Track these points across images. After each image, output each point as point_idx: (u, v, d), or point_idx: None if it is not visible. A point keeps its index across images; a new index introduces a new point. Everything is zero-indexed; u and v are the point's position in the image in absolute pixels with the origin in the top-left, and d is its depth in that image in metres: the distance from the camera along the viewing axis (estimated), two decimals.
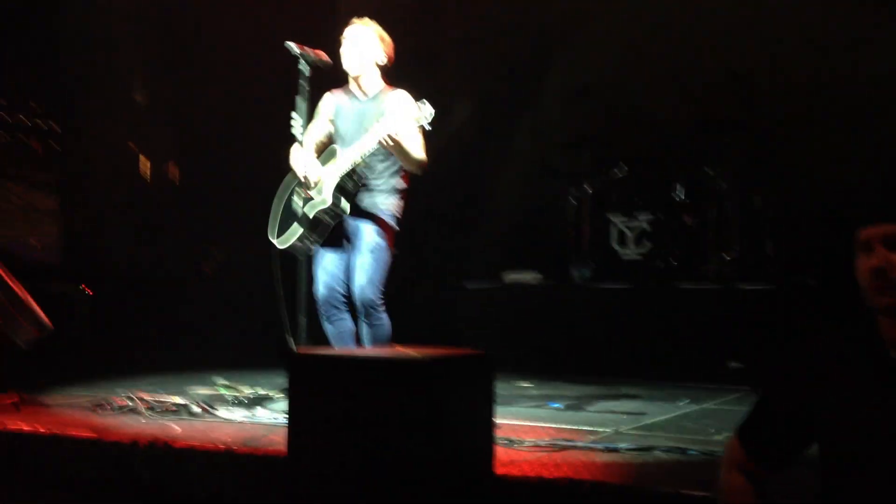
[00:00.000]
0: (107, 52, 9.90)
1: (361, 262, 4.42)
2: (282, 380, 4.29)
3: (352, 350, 4.30)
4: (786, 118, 6.78)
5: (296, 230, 4.50)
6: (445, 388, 2.91)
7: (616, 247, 6.74)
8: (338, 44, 4.59)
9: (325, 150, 4.64)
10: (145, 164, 10.03)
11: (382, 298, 4.45)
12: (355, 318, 4.57)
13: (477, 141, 8.18)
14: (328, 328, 4.59)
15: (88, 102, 9.91)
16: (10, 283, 4.64)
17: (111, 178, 9.77)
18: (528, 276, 6.91)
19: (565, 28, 7.92)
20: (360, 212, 4.48)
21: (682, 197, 6.60)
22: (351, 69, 4.57)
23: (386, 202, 4.54)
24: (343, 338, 4.57)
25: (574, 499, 3.00)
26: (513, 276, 6.96)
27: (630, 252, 6.67)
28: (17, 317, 4.60)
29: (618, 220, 6.75)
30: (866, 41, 6.55)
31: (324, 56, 4.51)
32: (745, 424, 2.28)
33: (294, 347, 4.30)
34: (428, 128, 4.26)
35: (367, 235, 4.45)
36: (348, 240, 4.53)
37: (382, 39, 4.61)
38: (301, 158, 4.52)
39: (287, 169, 4.66)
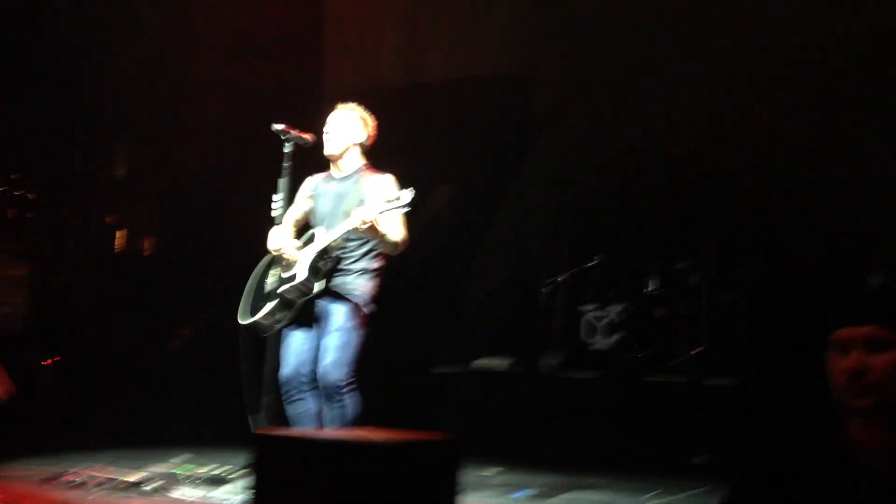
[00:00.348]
0: (87, 122, 9.97)
1: (328, 344, 4.38)
2: (242, 459, 4.23)
3: (316, 432, 4.24)
4: (761, 216, 6.88)
5: (263, 307, 4.47)
6: (408, 473, 2.87)
7: (587, 336, 6.76)
8: (321, 131, 4.64)
9: (304, 233, 4.65)
10: (119, 236, 10.01)
11: (349, 381, 4.39)
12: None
13: (455, 226, 8.24)
14: (293, 408, 4.53)
15: (66, 172, 9.94)
16: None
17: (83, 248, 9.74)
18: (497, 363, 6.89)
19: (547, 119, 8.07)
20: (332, 293, 4.46)
21: (655, 289, 6.65)
22: (330, 150, 4.60)
23: (359, 284, 4.51)
24: (305, 420, 4.50)
25: None
26: (481, 363, 6.95)
27: (600, 342, 6.69)
28: None
29: (589, 310, 6.79)
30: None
31: (309, 137, 4.57)
32: None
33: (257, 425, 4.24)
34: (407, 210, 4.27)
35: (337, 317, 4.42)
36: (318, 322, 4.50)
37: (364, 120, 4.66)
38: (278, 239, 4.53)
39: (264, 251, 4.65)
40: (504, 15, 8.40)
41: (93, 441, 6.03)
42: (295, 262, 4.46)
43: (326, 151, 4.61)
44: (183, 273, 9.11)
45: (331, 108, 4.73)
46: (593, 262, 6.92)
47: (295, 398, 4.49)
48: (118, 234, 10.06)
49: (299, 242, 4.58)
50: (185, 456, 5.04)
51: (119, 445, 5.95)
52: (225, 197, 8.76)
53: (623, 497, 4.81)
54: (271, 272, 4.58)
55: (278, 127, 4.47)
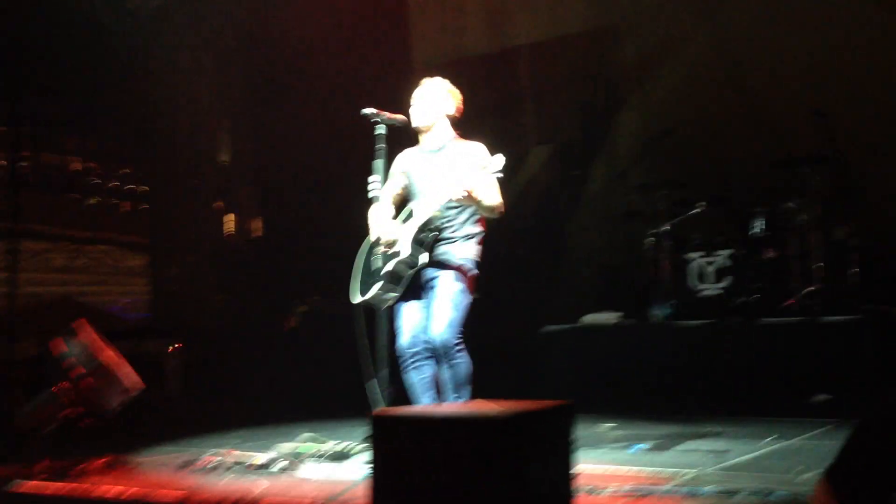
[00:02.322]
0: (191, 114, 10.28)
1: (439, 307, 4.49)
2: (361, 434, 4.36)
3: (432, 408, 4.33)
4: (867, 151, 6.73)
5: (374, 284, 4.57)
6: (525, 443, 2.94)
7: (695, 284, 6.68)
8: (401, 103, 4.70)
9: (403, 209, 4.73)
10: (230, 222, 10.32)
11: (458, 341, 4.50)
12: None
13: (554, 185, 8.24)
14: (410, 377, 4.64)
15: (175, 163, 10.29)
16: (101, 349, 4.82)
17: (199, 238, 10.09)
18: (607, 317, 6.89)
19: (639, 71, 7.97)
20: (437, 262, 4.55)
21: (763, 231, 6.53)
22: (419, 122, 4.67)
23: (463, 250, 4.60)
24: (424, 386, 4.61)
25: None
26: (591, 318, 6.95)
27: (710, 288, 6.61)
28: (108, 382, 4.77)
29: (696, 257, 6.71)
30: None
31: (401, 118, 4.63)
32: (836, 466, 2.19)
33: (375, 398, 4.36)
34: (500, 175, 4.32)
35: (445, 282, 4.52)
36: (427, 291, 4.59)
37: (451, 92, 4.72)
38: (377, 219, 4.63)
39: (365, 231, 4.75)
40: None
41: (219, 425, 6.26)
42: (396, 239, 4.55)
43: (415, 123, 4.67)
44: (291, 254, 9.35)
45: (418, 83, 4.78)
46: (696, 210, 6.80)
47: (412, 367, 4.61)
48: (226, 218, 10.37)
49: (399, 220, 4.66)
50: (308, 434, 5.22)
51: (246, 426, 6.19)
52: (325, 178, 8.93)
53: (740, 444, 4.78)
54: (376, 250, 4.67)
55: (368, 111, 4.53)
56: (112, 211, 10.56)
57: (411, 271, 4.53)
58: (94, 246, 9.98)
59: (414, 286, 4.58)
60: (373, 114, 4.55)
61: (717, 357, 6.16)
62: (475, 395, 4.46)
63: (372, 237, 4.67)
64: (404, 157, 4.79)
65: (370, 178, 4.57)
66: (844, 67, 6.98)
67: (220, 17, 9.98)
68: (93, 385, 4.61)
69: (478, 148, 4.59)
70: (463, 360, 4.51)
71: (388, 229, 4.60)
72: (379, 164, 4.53)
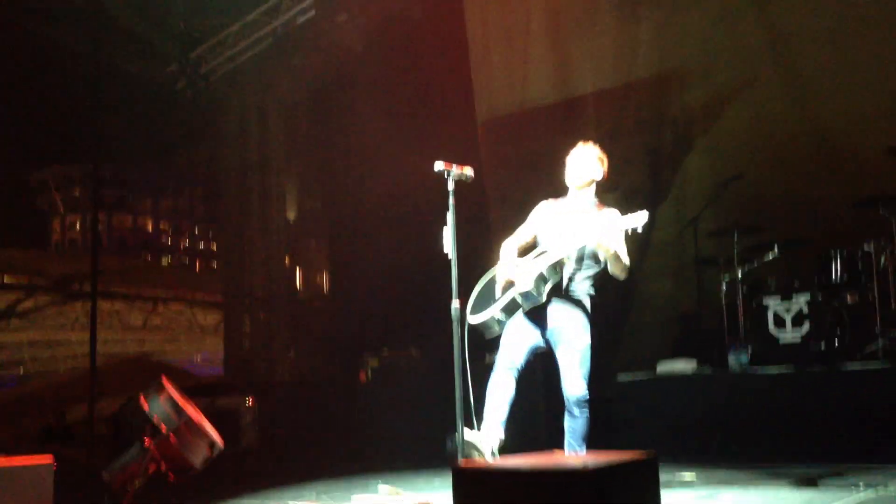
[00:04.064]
0: (260, 174, 10.51)
1: (572, 361, 4.55)
2: (441, 483, 4.34)
3: (514, 461, 4.30)
4: None
5: (490, 309, 4.63)
6: (611, 496, 2.89)
7: (773, 331, 6.55)
8: (561, 163, 4.86)
9: (535, 249, 4.80)
10: (300, 278, 10.47)
11: (589, 394, 4.55)
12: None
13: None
14: (495, 379, 4.63)
15: (245, 221, 10.50)
16: (184, 405, 4.89)
17: (270, 293, 10.24)
18: (682, 365, 6.79)
19: (707, 114, 7.93)
20: (563, 309, 4.60)
21: (841, 276, 6.40)
22: (573, 182, 4.82)
23: (585, 301, 4.67)
24: (501, 394, 4.59)
25: None
26: (666, 366, 6.85)
27: (788, 335, 6.48)
28: (192, 439, 4.83)
29: (774, 303, 6.59)
30: None
31: (469, 171, 4.66)
32: None
33: (457, 451, 4.33)
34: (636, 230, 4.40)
35: (575, 333, 4.58)
36: (549, 330, 4.61)
37: (601, 159, 4.89)
38: (508, 252, 4.74)
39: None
40: (650, 17, 8.30)
41: (296, 478, 6.28)
42: (522, 272, 4.59)
43: (569, 180, 4.82)
44: (361, 309, 9.42)
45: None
46: (772, 254, 6.70)
47: (502, 375, 4.62)
48: (297, 273, 10.53)
49: (530, 257, 4.71)
50: (385, 486, 5.20)
51: (321, 479, 6.20)
52: (392, 233, 9.01)
53: (828, 492, 4.62)
54: (499, 278, 4.72)
55: (440, 167, 4.58)
56: (185, 270, 10.79)
57: (530, 305, 4.57)
58: (168, 305, 10.21)
59: (536, 315, 4.61)
60: (444, 169, 4.59)
61: (797, 404, 6.01)
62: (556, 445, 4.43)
63: (499, 268, 4.74)
64: (545, 208, 4.89)
65: (443, 233, 4.59)
66: None
67: (289, 79, 10.24)
68: (179, 441, 4.68)
69: (614, 213, 4.67)
70: (587, 417, 4.56)
71: (514, 264, 4.65)
72: (450, 217, 4.56)
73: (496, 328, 4.64)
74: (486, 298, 4.72)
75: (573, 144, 8.56)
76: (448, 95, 9.28)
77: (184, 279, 10.24)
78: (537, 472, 3.09)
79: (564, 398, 4.56)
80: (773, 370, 6.31)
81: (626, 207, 8.18)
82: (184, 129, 10.06)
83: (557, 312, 4.61)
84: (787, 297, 6.54)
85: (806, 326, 6.41)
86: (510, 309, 4.61)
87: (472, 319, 4.65)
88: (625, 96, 8.45)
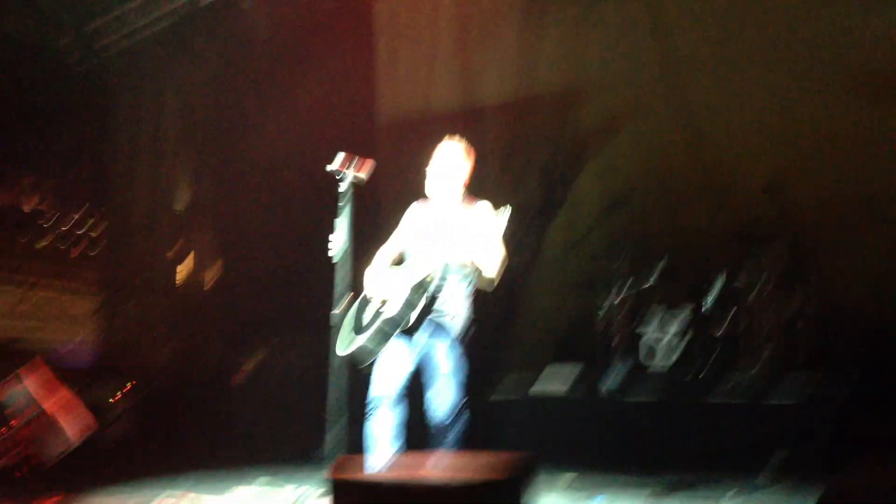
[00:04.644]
0: (149, 158, 10.21)
1: (442, 387, 4.51)
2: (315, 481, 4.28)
3: (390, 474, 4.27)
4: (820, 229, 6.78)
5: (359, 338, 4.49)
6: None
7: (644, 359, 6.71)
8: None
9: (401, 265, 4.70)
10: (180, 270, 10.21)
11: (457, 414, 4.53)
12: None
13: (509, 249, 8.25)
14: (373, 424, 4.57)
15: (126, 208, 10.18)
16: (42, 396, 4.73)
17: (148, 281, 9.96)
18: (555, 386, 6.88)
19: (601, 135, 8.06)
20: (438, 328, 4.53)
21: (713, 308, 6.59)
22: (439, 194, 4.69)
23: (456, 321, 4.60)
24: (385, 435, 4.55)
25: None
26: (538, 387, 6.93)
27: (658, 364, 6.65)
28: (48, 429, 4.68)
29: (647, 330, 6.74)
30: None
31: (363, 175, 4.58)
32: None
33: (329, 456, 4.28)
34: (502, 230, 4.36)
35: (444, 358, 4.52)
36: (414, 349, 4.56)
37: (468, 156, 4.76)
38: (374, 277, 4.60)
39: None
40: (552, 33, 8.41)
41: (173, 467, 6.16)
42: (389, 295, 4.50)
43: (432, 191, 4.68)
44: (247, 302, 9.25)
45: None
46: (648, 283, 6.86)
47: (379, 414, 4.56)
48: (179, 267, 10.26)
49: (395, 271, 4.62)
50: (265, 479, 5.12)
51: (199, 470, 6.07)
52: (284, 229, 8.89)
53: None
54: (367, 304, 4.61)
55: (333, 167, 4.52)
56: (61, 254, 10.41)
57: (399, 330, 4.45)
58: (40, 290, 9.81)
59: (406, 337, 4.51)
60: (337, 170, 4.53)
61: (664, 434, 6.16)
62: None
63: (371, 283, 4.61)
64: (416, 211, 4.78)
65: (331, 237, 4.54)
66: (800, 140, 7.03)
67: (186, 63, 9.98)
68: (33, 433, 4.51)
69: (483, 207, 4.61)
70: (454, 438, 4.53)
71: (383, 288, 4.54)
72: (342, 221, 4.52)
73: (368, 357, 4.48)
74: (354, 327, 4.57)
75: (473, 154, 8.63)
76: (350, 94, 9.20)
77: (59, 264, 9.82)
78: (411, 487, 3.10)
79: (430, 422, 4.52)
80: (640, 398, 6.45)
81: (518, 223, 8.33)
82: (73, 105, 9.68)
83: (425, 335, 4.52)
84: (660, 325, 6.71)
85: (675, 356, 6.59)
86: (382, 336, 4.43)
87: (343, 351, 4.50)
88: (524, 111, 8.53)
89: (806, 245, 6.71)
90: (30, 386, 4.62)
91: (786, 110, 7.15)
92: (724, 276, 6.63)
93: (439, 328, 4.53)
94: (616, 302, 6.89)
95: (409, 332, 4.46)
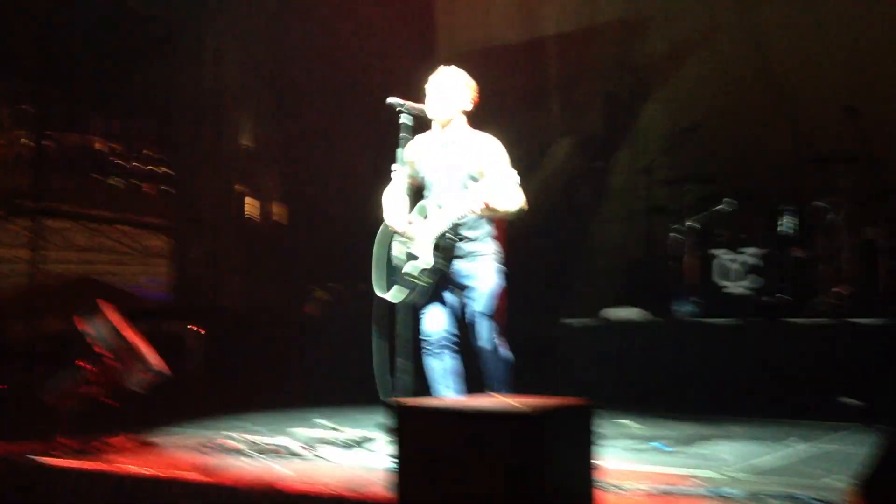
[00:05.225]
0: (216, 100, 10.29)
1: (479, 308, 4.47)
2: (381, 419, 4.32)
3: (456, 399, 4.30)
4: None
5: (402, 287, 4.47)
6: (546, 439, 2.91)
7: (720, 281, 6.60)
8: (423, 92, 4.64)
9: (417, 205, 4.65)
10: (253, 207, 10.33)
11: (502, 337, 4.51)
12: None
13: (577, 177, 8.18)
14: (431, 363, 4.60)
15: (198, 148, 10.30)
16: (124, 329, 4.82)
17: (220, 220, 10.10)
18: (631, 313, 6.83)
19: (668, 62, 7.89)
20: (464, 260, 4.51)
21: (792, 230, 6.45)
22: (435, 116, 4.60)
23: (486, 247, 4.57)
24: (448, 376, 4.58)
25: None
26: (615, 314, 6.89)
27: (736, 287, 6.54)
28: (131, 363, 4.78)
29: (722, 254, 6.63)
30: None
31: (425, 108, 4.56)
32: (871, 476, 2.11)
33: (393, 390, 4.32)
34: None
35: (480, 281, 4.49)
36: (458, 286, 4.54)
37: (467, 85, 4.64)
38: (391, 208, 4.56)
39: (381, 215, 4.67)
40: None
41: (236, 407, 6.27)
42: (415, 239, 4.46)
43: (431, 115, 4.59)
44: (312, 240, 9.34)
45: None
46: (723, 206, 6.72)
47: (434, 354, 4.59)
48: (248, 202, 10.39)
49: (414, 216, 4.56)
50: (323, 420, 5.20)
51: (264, 409, 6.18)
52: (347, 166, 8.90)
53: (764, 445, 4.71)
54: (395, 242, 4.59)
55: (393, 100, 4.46)
56: (134, 192, 10.59)
57: (436, 277, 4.45)
58: (115, 226, 10.02)
59: (443, 278, 4.51)
60: (397, 103, 4.47)
61: (741, 356, 6.09)
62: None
63: (390, 226, 4.57)
64: (417, 146, 4.67)
65: (393, 167, 4.52)
66: (879, 64, 6.88)
67: (248, 2, 9.98)
68: (116, 363, 4.63)
69: (491, 142, 4.55)
70: (505, 358, 4.53)
71: (404, 223, 4.51)
72: (402, 153, 4.48)
73: (414, 302, 4.46)
74: (391, 269, 4.52)
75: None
76: (410, 30, 9.11)
77: (133, 202, 10.03)
78: (474, 412, 3.09)
79: (477, 348, 4.50)
80: (719, 321, 6.37)
81: (584, 153, 8.26)
82: (139, 47, 9.76)
83: (461, 265, 4.50)
84: (736, 249, 6.59)
85: (753, 279, 6.48)
86: (418, 284, 4.42)
87: (383, 293, 4.48)
88: (586, 40, 8.39)
89: (884, 165, 6.55)
90: (113, 319, 4.73)
91: (861, 31, 6.97)
92: (803, 198, 6.45)
93: (472, 258, 4.51)
94: (689, 225, 6.75)
95: (444, 272, 4.46)
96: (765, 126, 7.24)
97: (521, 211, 4.42)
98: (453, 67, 4.68)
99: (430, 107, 4.58)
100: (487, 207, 4.28)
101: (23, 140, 10.32)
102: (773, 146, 7.14)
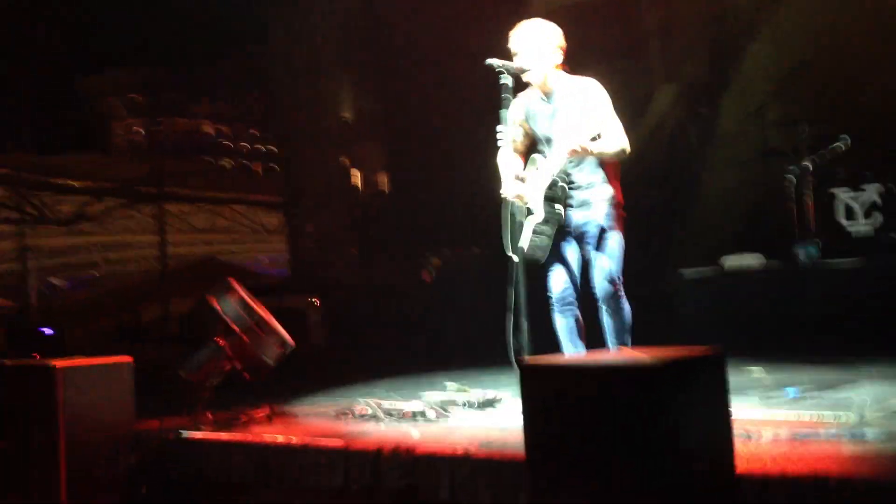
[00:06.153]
0: (314, 75, 10.45)
1: (597, 256, 4.45)
2: (507, 380, 4.39)
3: (582, 355, 4.32)
4: None
5: (522, 241, 4.46)
6: (677, 391, 2.89)
7: (843, 221, 6.42)
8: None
9: (529, 159, 4.67)
10: (359, 178, 10.50)
11: (622, 287, 4.47)
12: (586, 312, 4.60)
13: (684, 124, 8.04)
14: (558, 321, 4.62)
15: (301, 123, 10.50)
16: (254, 305, 4.99)
17: (329, 194, 10.31)
18: (750, 260, 6.70)
19: (770, 4, 7.65)
20: (580, 209, 4.49)
21: None
22: (528, 79, 4.52)
23: (600, 193, 4.51)
24: (574, 332, 4.59)
25: (821, 495, 2.90)
26: (733, 261, 6.77)
27: (859, 226, 6.35)
28: (264, 337, 4.95)
29: (844, 194, 6.44)
30: None
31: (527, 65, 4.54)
32: None
33: (519, 351, 4.37)
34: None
35: (596, 229, 4.46)
36: (577, 237, 4.54)
37: (549, 37, 4.52)
38: (505, 172, 4.56)
39: (493, 181, 4.70)
40: None
41: (365, 376, 6.41)
42: (528, 198, 4.46)
43: (525, 78, 4.50)
44: (420, 207, 9.44)
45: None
46: (838, 143, 6.51)
47: (560, 312, 4.59)
48: (353, 173, 10.55)
49: (528, 172, 4.54)
50: (453, 383, 5.29)
51: (389, 376, 6.33)
52: (449, 130, 8.94)
53: None
54: (515, 203, 4.58)
55: (493, 61, 4.44)
56: (245, 172, 10.87)
57: (555, 228, 4.43)
58: (232, 206, 10.33)
59: (562, 233, 4.50)
60: (497, 64, 4.45)
61: (869, 297, 5.93)
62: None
63: (503, 192, 4.56)
64: (519, 104, 4.64)
65: (498, 128, 4.51)
66: None
67: None
68: (251, 339, 4.80)
69: (590, 85, 4.45)
70: (625, 308, 4.48)
71: (513, 187, 4.49)
72: (506, 113, 4.47)
73: (538, 258, 4.43)
74: (515, 229, 4.49)
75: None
76: None
77: (245, 181, 10.35)
78: (603, 368, 3.10)
79: (597, 297, 4.47)
80: (845, 263, 6.20)
81: (688, 100, 8.08)
82: (237, 29, 9.98)
83: (580, 215, 4.47)
84: (857, 188, 6.40)
85: (878, 218, 6.29)
86: (539, 238, 4.40)
87: (511, 253, 4.46)
88: None
89: None
90: (241, 294, 4.91)
91: None
92: None
93: (586, 205, 4.47)
94: (805, 165, 6.57)
95: (568, 220, 4.44)
96: (877, 60, 6.97)
97: (622, 152, 4.38)
98: (529, 22, 4.56)
99: (519, 65, 4.47)
100: (585, 150, 4.25)
101: (136, 128, 10.69)
102: (884, 79, 6.85)
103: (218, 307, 4.89)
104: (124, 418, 4.75)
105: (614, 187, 4.55)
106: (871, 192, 6.34)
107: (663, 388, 2.86)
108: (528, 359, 3.50)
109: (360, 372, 6.61)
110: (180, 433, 4.66)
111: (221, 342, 4.82)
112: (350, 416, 4.83)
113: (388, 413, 4.74)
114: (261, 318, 4.86)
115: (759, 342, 6.04)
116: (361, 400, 5.05)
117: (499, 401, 4.89)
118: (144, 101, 10.72)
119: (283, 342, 4.99)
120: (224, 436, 4.59)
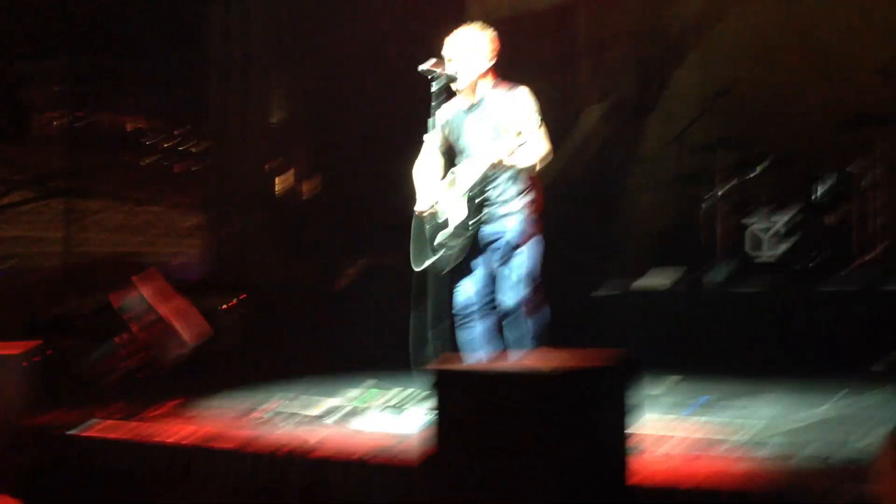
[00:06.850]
0: (242, 75, 10.34)
1: (504, 272, 4.44)
2: (418, 386, 4.37)
3: (486, 363, 4.31)
4: None
5: (431, 253, 4.46)
6: (582, 399, 2.91)
7: (750, 251, 6.55)
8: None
9: (448, 172, 4.61)
10: (279, 182, 10.40)
11: (535, 296, 4.44)
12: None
13: (608, 145, 8.14)
14: (462, 336, 4.60)
15: (228, 125, 10.37)
16: (157, 304, 4.93)
17: (251, 195, 10.19)
18: (660, 281, 6.79)
19: (699, 25, 7.79)
20: (491, 224, 4.48)
21: (823, 196, 6.38)
22: (456, 87, 4.50)
23: (513, 207, 4.49)
24: (476, 344, 4.58)
25: None
26: (643, 282, 6.86)
27: (766, 254, 6.48)
28: (165, 336, 4.89)
29: (753, 221, 6.57)
30: None
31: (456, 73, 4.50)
32: None
33: (428, 357, 4.35)
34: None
35: (505, 246, 4.45)
36: (488, 251, 4.52)
37: (485, 42, 4.48)
38: (420, 188, 4.55)
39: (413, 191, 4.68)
40: None
41: (281, 375, 6.30)
42: (441, 210, 4.45)
43: (457, 84, 4.47)
44: (344, 213, 9.38)
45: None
46: (755, 173, 6.65)
47: (468, 324, 4.57)
48: (277, 179, 10.45)
49: (445, 183, 4.53)
50: (373, 381, 5.27)
51: (300, 378, 6.25)
52: (378, 136, 8.91)
53: (796, 407, 4.68)
54: (430, 220, 4.55)
55: (425, 67, 4.42)
56: (164, 171, 10.67)
57: (466, 239, 4.40)
58: (147, 206, 10.13)
59: (474, 246, 4.47)
60: (428, 70, 4.43)
61: (773, 324, 6.03)
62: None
63: (417, 207, 4.55)
64: (446, 112, 4.60)
65: (426, 137, 4.49)
66: None
67: None
68: (152, 337, 4.73)
69: (515, 95, 4.41)
70: (536, 317, 4.44)
71: (427, 201, 4.50)
72: (434, 121, 4.46)
73: (445, 267, 4.43)
74: (423, 242, 4.49)
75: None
76: None
77: (163, 181, 10.14)
78: (509, 374, 3.10)
79: (503, 312, 4.46)
80: (750, 289, 6.32)
81: (614, 120, 8.19)
82: (167, 27, 9.81)
83: (487, 229, 4.47)
84: (768, 215, 6.53)
85: (785, 246, 6.42)
86: (450, 248, 4.40)
87: (419, 266, 4.47)
88: (616, 4, 8.31)
89: None
90: (145, 293, 4.83)
91: None
92: (837, 163, 6.37)
93: (499, 226, 4.46)
94: (721, 193, 6.71)
95: (474, 237, 4.42)
96: (799, 88, 7.11)
97: (542, 159, 4.35)
98: (464, 28, 4.52)
99: (451, 70, 4.45)
100: (503, 164, 4.24)
101: (55, 122, 10.44)
102: (806, 109, 7.01)
103: (122, 303, 4.82)
104: (17, 412, 4.61)
105: (534, 194, 4.52)
106: (781, 220, 6.47)
107: (561, 397, 2.87)
108: (427, 366, 3.48)
109: (278, 372, 6.50)
110: (73, 427, 4.53)
111: (121, 339, 4.74)
112: (255, 415, 4.77)
113: (294, 414, 4.69)
114: (163, 316, 4.79)
115: (667, 362, 6.12)
116: (271, 398, 5.00)
117: (411, 403, 4.87)
118: (66, 93, 10.45)
119: (186, 341, 4.92)
120: (125, 432, 4.51)
